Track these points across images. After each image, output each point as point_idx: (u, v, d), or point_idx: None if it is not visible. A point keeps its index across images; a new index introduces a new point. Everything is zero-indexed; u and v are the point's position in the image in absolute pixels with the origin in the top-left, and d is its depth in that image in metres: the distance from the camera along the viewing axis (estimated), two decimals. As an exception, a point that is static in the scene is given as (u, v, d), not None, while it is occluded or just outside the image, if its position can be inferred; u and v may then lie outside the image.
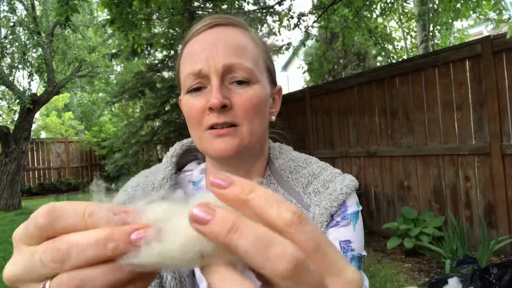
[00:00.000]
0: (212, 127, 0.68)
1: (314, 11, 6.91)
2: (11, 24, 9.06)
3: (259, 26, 7.85)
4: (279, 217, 0.26)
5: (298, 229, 0.26)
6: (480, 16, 7.36)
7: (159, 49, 8.18)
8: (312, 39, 8.06)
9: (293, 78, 16.67)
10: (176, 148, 0.85)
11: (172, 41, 6.80)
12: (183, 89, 0.73)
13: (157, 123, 8.56)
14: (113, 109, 14.55)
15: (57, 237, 0.29)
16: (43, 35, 9.59)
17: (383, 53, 8.22)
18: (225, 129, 0.68)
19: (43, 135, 16.25)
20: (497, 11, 6.62)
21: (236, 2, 7.01)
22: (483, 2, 6.53)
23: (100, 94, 15.16)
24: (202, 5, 7.51)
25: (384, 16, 7.90)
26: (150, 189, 0.78)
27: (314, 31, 8.23)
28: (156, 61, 8.95)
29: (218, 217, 0.26)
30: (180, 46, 0.81)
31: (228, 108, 0.67)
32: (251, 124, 0.69)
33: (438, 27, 8.00)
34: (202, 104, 0.68)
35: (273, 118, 0.80)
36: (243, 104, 0.68)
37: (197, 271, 0.74)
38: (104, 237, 0.28)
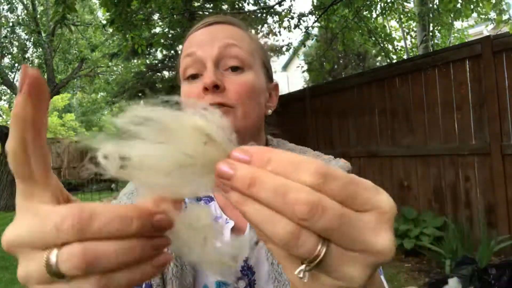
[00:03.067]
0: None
1: (314, 11, 6.91)
2: (11, 24, 9.06)
3: (260, 27, 7.84)
4: (303, 182, 0.28)
5: (324, 190, 0.28)
6: (481, 16, 7.36)
7: (159, 49, 8.18)
8: (312, 39, 8.06)
9: (293, 78, 16.66)
10: None
11: (172, 41, 6.80)
12: (181, 76, 0.76)
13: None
14: (113, 109, 14.53)
15: (77, 204, 0.29)
16: (43, 34, 9.59)
17: (382, 53, 8.20)
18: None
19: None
20: (497, 11, 6.62)
21: (237, 2, 7.01)
22: (484, 2, 6.53)
23: (100, 95, 15.15)
24: (202, 5, 7.51)
25: (384, 16, 7.90)
26: None
27: (314, 31, 8.23)
28: (156, 61, 8.95)
29: (238, 174, 0.29)
30: (180, 46, 0.83)
31: (221, 89, 0.69)
32: (244, 106, 0.71)
33: (438, 27, 8.00)
34: (199, 89, 0.71)
35: (269, 112, 0.82)
36: (236, 88, 0.70)
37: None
38: (131, 214, 0.29)
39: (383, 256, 0.30)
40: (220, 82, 0.69)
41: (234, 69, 0.72)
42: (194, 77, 0.73)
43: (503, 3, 6.81)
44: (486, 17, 7.47)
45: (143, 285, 0.66)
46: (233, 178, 0.29)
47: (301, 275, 0.30)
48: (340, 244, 0.29)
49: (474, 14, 7.36)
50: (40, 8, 9.97)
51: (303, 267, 0.30)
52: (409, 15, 8.23)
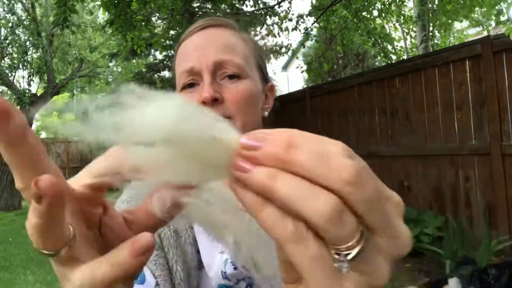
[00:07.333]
0: None
1: (313, 12, 6.91)
2: (10, 25, 9.06)
3: (259, 27, 7.85)
4: (337, 182, 0.24)
5: (355, 192, 0.25)
6: (473, 21, 7.37)
7: (158, 50, 8.18)
8: (311, 39, 8.06)
9: (293, 78, 16.67)
10: None
11: (172, 42, 6.81)
12: (178, 86, 0.77)
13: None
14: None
15: None
16: (43, 35, 9.59)
17: (382, 54, 8.20)
18: None
19: (43, 135, 16.25)
20: (496, 12, 6.62)
21: (235, 3, 7.01)
22: (476, 9, 6.52)
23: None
24: (201, 6, 7.52)
25: (382, 18, 7.90)
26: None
27: (313, 32, 8.24)
28: (156, 61, 8.96)
29: (274, 137, 0.25)
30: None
31: (219, 101, 0.70)
32: (244, 116, 0.72)
33: (438, 28, 8.00)
34: (196, 100, 0.72)
35: (266, 113, 0.83)
36: (234, 98, 0.72)
37: (206, 262, 0.74)
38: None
39: (406, 247, 0.27)
40: (218, 95, 0.70)
41: (231, 77, 0.73)
42: (190, 85, 0.75)
43: (501, 4, 6.81)
44: (477, 23, 7.48)
45: None
46: (266, 142, 0.25)
47: (345, 266, 0.24)
48: (374, 226, 0.25)
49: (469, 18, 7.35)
50: (38, 9, 9.96)
51: (343, 256, 0.24)
52: (406, 17, 8.23)
